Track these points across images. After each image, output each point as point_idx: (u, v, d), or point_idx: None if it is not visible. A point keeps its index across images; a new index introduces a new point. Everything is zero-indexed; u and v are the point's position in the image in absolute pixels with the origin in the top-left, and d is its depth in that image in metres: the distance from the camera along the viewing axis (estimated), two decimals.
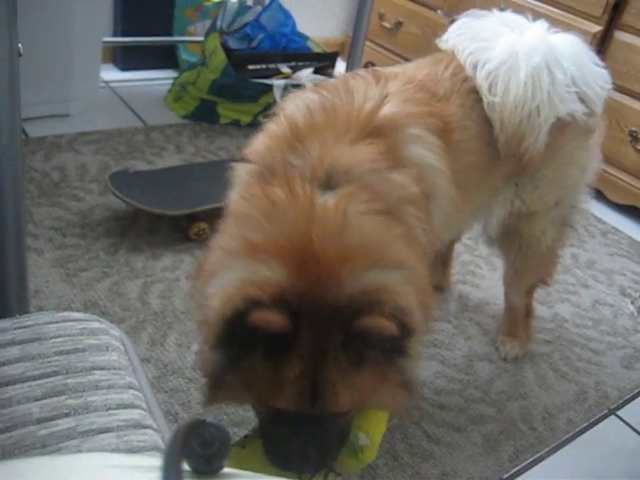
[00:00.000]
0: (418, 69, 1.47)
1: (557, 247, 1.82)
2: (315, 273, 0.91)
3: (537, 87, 1.44)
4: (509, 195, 1.62)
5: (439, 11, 3.45)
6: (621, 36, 2.79)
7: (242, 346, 0.92)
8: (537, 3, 3.01)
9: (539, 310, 2.00)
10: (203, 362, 1.03)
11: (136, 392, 0.82)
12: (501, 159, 1.49)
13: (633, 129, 2.74)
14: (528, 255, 1.75)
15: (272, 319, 0.86)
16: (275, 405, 0.95)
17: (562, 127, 1.53)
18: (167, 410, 1.55)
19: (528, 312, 1.96)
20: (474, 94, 1.45)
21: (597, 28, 2.81)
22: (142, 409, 0.79)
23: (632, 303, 2.31)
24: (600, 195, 2.76)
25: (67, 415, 0.75)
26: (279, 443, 1.00)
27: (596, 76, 1.57)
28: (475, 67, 1.45)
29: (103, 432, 0.74)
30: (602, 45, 2.86)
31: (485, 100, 1.44)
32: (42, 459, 0.59)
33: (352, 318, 0.90)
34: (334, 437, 1.02)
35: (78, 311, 1.74)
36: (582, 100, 1.53)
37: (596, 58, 1.60)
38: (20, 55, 0.99)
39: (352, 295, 0.91)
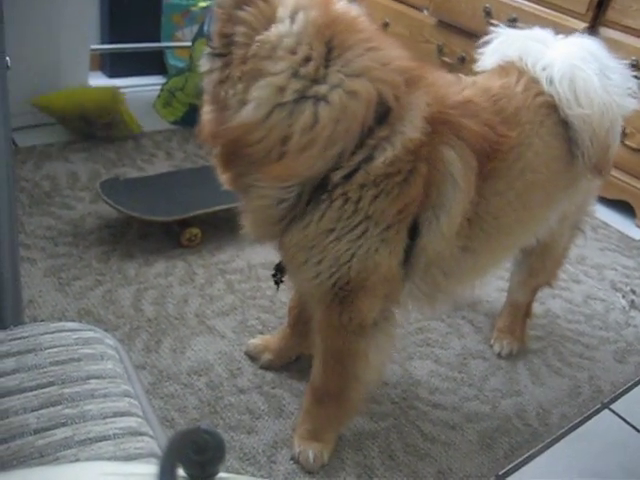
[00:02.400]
0: (492, 79, 1.47)
1: (567, 249, 1.85)
2: None
3: (608, 93, 1.44)
4: (562, 203, 1.62)
5: (425, 11, 3.46)
6: (606, 32, 2.80)
7: None
8: (523, 2, 3.03)
9: (533, 306, 2.01)
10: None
11: (132, 400, 0.82)
12: (568, 172, 1.50)
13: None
14: (546, 258, 1.78)
15: None
16: None
17: None
18: (163, 416, 1.56)
19: (527, 311, 1.98)
20: (544, 109, 1.44)
21: (582, 25, 2.83)
22: (138, 417, 0.80)
23: (623, 297, 2.33)
24: None
25: (64, 425, 0.76)
26: None
27: (622, 70, 1.57)
28: (553, 81, 1.44)
29: (100, 440, 0.75)
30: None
31: (570, 113, 1.43)
32: (41, 469, 0.60)
33: None
34: None
35: (72, 320, 1.75)
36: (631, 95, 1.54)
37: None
38: (8, 68, 0.99)
39: None
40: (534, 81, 1.46)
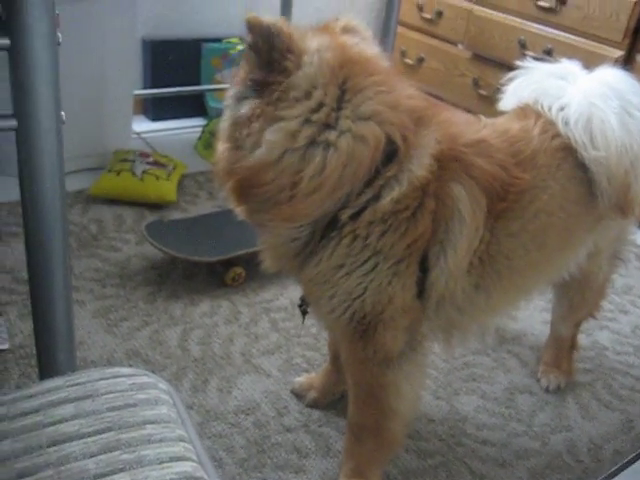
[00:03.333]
0: (511, 121, 1.48)
1: (608, 280, 1.83)
2: None
3: (628, 132, 1.43)
4: (589, 242, 1.61)
5: (459, 45, 3.49)
6: None
7: None
8: (558, 32, 3.04)
9: (578, 339, 1.99)
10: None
11: (186, 444, 0.84)
12: (590, 214, 1.49)
13: None
14: (585, 291, 1.77)
15: None
16: None
17: None
18: (211, 456, 1.57)
19: (573, 344, 1.96)
20: (561, 152, 1.44)
21: (619, 53, 2.83)
22: (193, 461, 0.82)
23: None
24: None
25: (122, 470, 0.77)
26: None
27: None
28: (568, 123, 1.44)
29: None
30: (625, 69, 2.88)
31: (587, 155, 1.42)
32: None
33: None
34: None
35: (120, 361, 1.79)
36: None
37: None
38: (63, 123, 1.04)
39: None
40: (551, 123, 1.46)
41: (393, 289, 1.28)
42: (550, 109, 1.47)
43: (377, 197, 1.22)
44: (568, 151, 1.44)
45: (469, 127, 1.37)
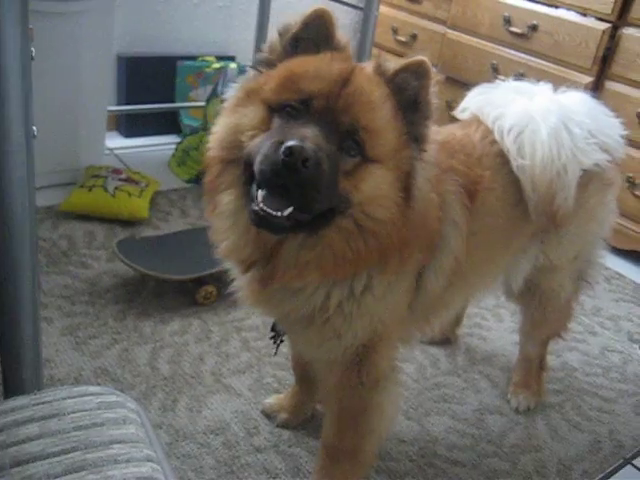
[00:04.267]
0: (455, 128, 1.54)
1: (573, 300, 1.86)
2: None
3: (560, 145, 1.48)
4: (534, 251, 1.66)
5: (434, 68, 3.53)
6: (612, 85, 2.86)
7: None
8: (530, 57, 3.10)
9: (547, 359, 2.00)
10: None
11: (154, 464, 0.83)
12: (528, 220, 1.52)
13: (630, 175, 2.78)
14: (547, 308, 1.79)
15: None
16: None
17: (585, 184, 1.57)
18: (180, 477, 1.55)
19: (541, 364, 1.97)
20: (500, 157, 1.49)
21: (588, 79, 2.89)
22: None
23: None
24: None
25: None
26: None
27: (611, 125, 1.62)
28: (502, 132, 1.50)
29: None
30: (594, 95, 2.94)
31: (515, 163, 1.48)
32: None
33: None
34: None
35: (88, 379, 1.76)
36: (604, 150, 1.57)
37: (606, 109, 1.65)
38: (34, 137, 1.03)
39: None
40: (489, 131, 1.52)
41: (401, 307, 1.32)
42: (488, 117, 1.53)
43: None
44: (505, 157, 1.49)
45: None
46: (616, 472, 1.78)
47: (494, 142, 1.50)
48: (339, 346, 1.30)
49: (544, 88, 1.63)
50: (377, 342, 1.32)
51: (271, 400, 1.78)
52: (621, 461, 1.82)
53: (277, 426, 1.73)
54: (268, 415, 1.76)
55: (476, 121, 1.57)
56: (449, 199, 1.32)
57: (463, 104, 1.68)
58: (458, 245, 1.35)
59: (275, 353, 1.60)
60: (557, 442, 1.84)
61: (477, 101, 1.62)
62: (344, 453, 1.47)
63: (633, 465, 1.81)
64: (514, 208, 1.50)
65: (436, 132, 1.44)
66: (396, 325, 1.34)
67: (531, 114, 1.51)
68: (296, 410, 1.74)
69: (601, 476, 1.76)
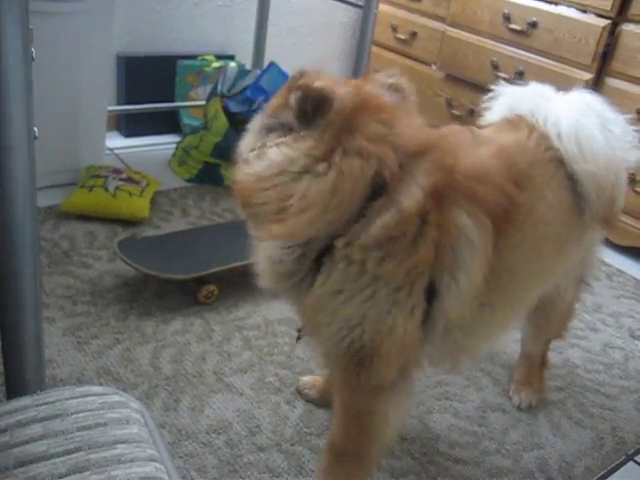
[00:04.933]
0: (504, 134, 1.50)
1: (574, 302, 1.86)
2: None
3: (611, 147, 1.46)
4: (576, 255, 1.63)
5: (433, 65, 3.54)
6: (612, 82, 2.86)
7: None
8: (530, 54, 3.10)
9: (549, 356, 2.00)
10: None
11: (157, 464, 0.83)
12: (579, 227, 1.52)
13: (631, 172, 2.78)
14: (549, 313, 1.78)
15: None
16: None
17: None
18: (183, 476, 1.55)
19: (543, 361, 1.97)
20: (553, 163, 1.46)
21: (588, 76, 2.89)
22: None
23: None
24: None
25: None
26: None
27: (624, 123, 1.59)
28: (560, 137, 1.46)
29: None
30: (594, 92, 2.94)
31: (578, 169, 1.45)
32: None
33: None
34: None
35: (91, 379, 1.76)
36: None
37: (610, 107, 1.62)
38: (36, 138, 1.03)
39: None
40: (544, 137, 1.49)
41: (394, 319, 1.27)
42: (545, 123, 1.49)
43: (368, 224, 1.24)
44: (559, 163, 1.47)
45: (468, 152, 1.36)
46: (618, 468, 1.78)
47: (549, 148, 1.47)
48: (327, 334, 1.32)
49: (549, 90, 1.60)
50: (370, 354, 1.31)
51: (306, 378, 1.87)
52: (623, 457, 1.82)
53: (306, 401, 1.83)
54: (300, 391, 1.85)
55: (527, 125, 1.51)
56: (460, 219, 1.28)
57: (492, 111, 1.64)
58: (479, 265, 1.31)
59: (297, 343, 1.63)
60: (559, 439, 1.85)
61: (525, 106, 1.56)
62: (348, 454, 1.47)
63: (635, 461, 1.82)
64: (567, 213, 1.48)
65: (486, 140, 1.44)
66: (395, 343, 1.30)
67: (577, 117, 1.47)
68: (324, 393, 1.78)
69: (603, 472, 1.76)
